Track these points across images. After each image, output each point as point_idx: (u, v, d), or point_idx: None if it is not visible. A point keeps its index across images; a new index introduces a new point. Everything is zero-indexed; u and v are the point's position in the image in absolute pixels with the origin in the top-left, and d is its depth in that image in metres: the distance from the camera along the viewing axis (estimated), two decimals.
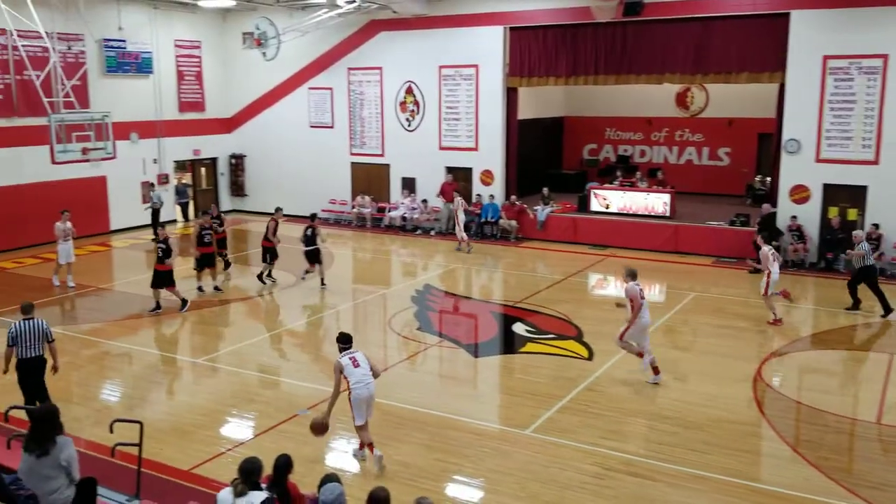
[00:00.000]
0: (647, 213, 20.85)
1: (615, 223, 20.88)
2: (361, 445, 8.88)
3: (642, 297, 11.18)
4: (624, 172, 23.45)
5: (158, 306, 15.01)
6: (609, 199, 21.41)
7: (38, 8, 19.22)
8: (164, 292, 15.01)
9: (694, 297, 15.75)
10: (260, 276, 17.29)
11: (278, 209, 18.13)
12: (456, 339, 13.62)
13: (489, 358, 12.98)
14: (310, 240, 16.84)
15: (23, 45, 19.78)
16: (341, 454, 9.19)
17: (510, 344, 13.68)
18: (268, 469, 6.26)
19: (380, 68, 23.93)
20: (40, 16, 19.19)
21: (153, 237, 14.68)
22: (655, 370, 11.25)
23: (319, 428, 8.49)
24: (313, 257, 16.93)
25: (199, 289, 16.48)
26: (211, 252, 16.54)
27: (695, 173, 24.84)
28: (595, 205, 21.54)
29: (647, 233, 20.36)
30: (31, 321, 9.41)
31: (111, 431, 7.72)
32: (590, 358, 12.39)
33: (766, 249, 14.00)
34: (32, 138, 20.37)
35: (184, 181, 26.60)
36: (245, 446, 9.23)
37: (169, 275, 14.97)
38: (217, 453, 9.11)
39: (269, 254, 17.16)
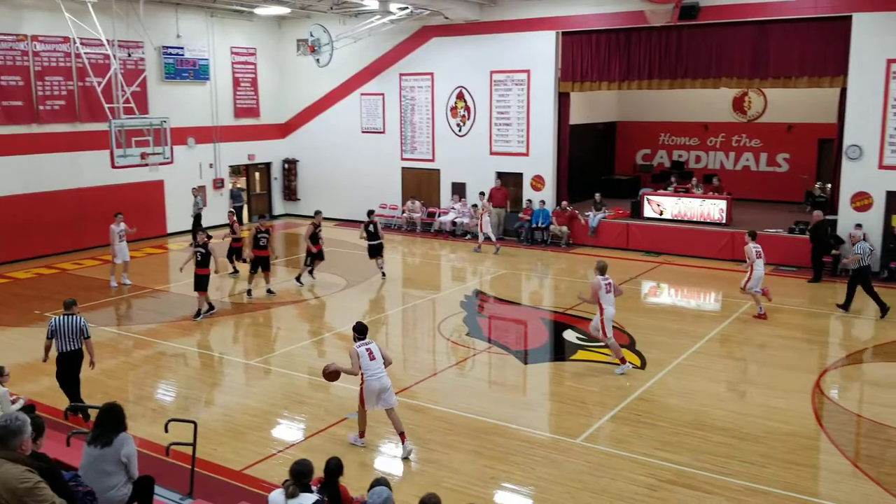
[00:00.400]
0: (702, 219, 20.46)
1: (669, 230, 20.55)
2: (362, 434, 9.35)
3: (608, 291, 11.75)
4: (679, 178, 23.07)
5: (211, 307, 15.23)
6: (663, 206, 21.08)
7: (100, 16, 19.74)
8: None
9: (750, 305, 15.38)
10: (297, 277, 17.82)
11: (317, 212, 18.42)
12: (505, 345, 13.53)
13: (539, 365, 12.85)
14: (372, 235, 17.70)
15: (85, 53, 20.35)
16: (390, 458, 9.19)
17: (560, 351, 13.54)
18: (318, 471, 6.28)
19: (431, 74, 24.01)
20: (102, 24, 19.70)
21: (191, 242, 14.82)
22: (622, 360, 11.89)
23: (333, 375, 9.34)
24: (375, 251, 17.87)
25: (248, 293, 16.69)
26: (266, 255, 16.71)
27: (752, 179, 24.33)
28: (648, 211, 21.23)
29: (702, 240, 19.98)
30: (70, 317, 9.91)
31: (166, 431, 7.85)
32: (642, 367, 12.17)
33: (751, 246, 14.52)
34: (93, 143, 20.95)
35: (238, 185, 27.02)
36: (296, 448, 9.31)
37: (206, 279, 15.02)
38: (268, 454, 9.19)
39: (310, 256, 17.66)
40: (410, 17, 22.38)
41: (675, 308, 16.64)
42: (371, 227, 17.71)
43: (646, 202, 21.35)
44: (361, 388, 9.14)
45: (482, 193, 22.42)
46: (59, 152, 20.85)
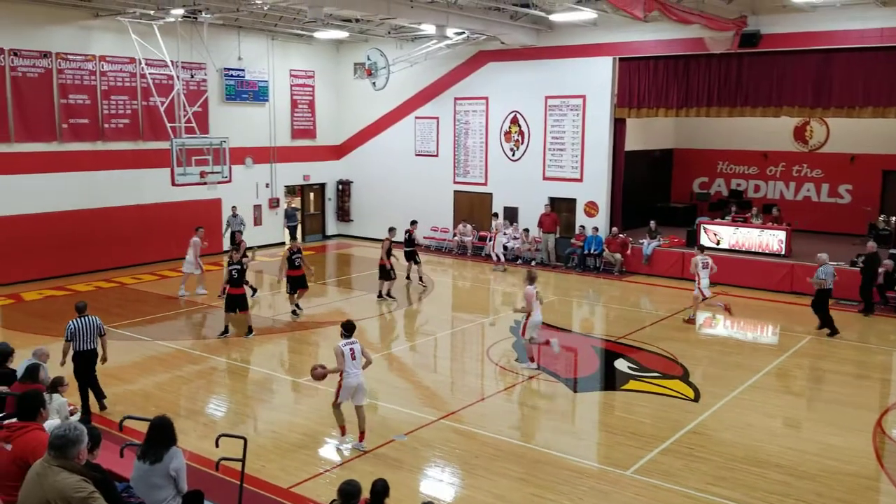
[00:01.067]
0: (760, 250, 20.00)
1: (726, 260, 20.06)
2: (343, 430, 9.96)
3: (537, 300, 13.04)
4: (737, 207, 22.64)
5: (227, 330, 15.09)
6: (720, 235, 20.68)
7: (165, 38, 20.39)
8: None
9: (810, 339, 14.96)
10: (379, 294, 18.28)
11: (391, 229, 18.97)
12: (555, 372, 13.36)
13: (589, 394, 12.66)
14: (409, 241, 19.57)
15: (150, 73, 21.02)
16: (436, 482, 9.11)
17: (611, 380, 13.32)
18: (365, 493, 6.25)
19: (486, 98, 24.10)
20: (167, 45, 20.34)
21: (227, 260, 14.99)
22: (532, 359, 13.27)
23: (320, 376, 9.89)
24: (410, 256, 19.69)
25: (294, 312, 16.78)
26: (301, 274, 16.75)
27: (813, 210, 23.73)
28: (705, 240, 20.81)
29: (760, 271, 19.53)
30: (85, 318, 10.68)
31: (217, 446, 7.90)
32: (696, 399, 11.89)
33: (697, 258, 16.34)
34: (155, 161, 21.50)
35: (293, 205, 27.45)
36: (342, 468, 9.30)
37: (242, 298, 15.03)
38: (315, 473, 9.20)
39: (384, 273, 18.22)
40: (467, 41, 22.55)
41: (730, 340, 16.25)
42: (407, 235, 19.75)
43: (702, 231, 20.97)
44: (339, 384, 9.71)
45: (496, 214, 23.21)
46: (122, 169, 21.45)
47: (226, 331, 15.05)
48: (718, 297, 17.09)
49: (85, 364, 10.69)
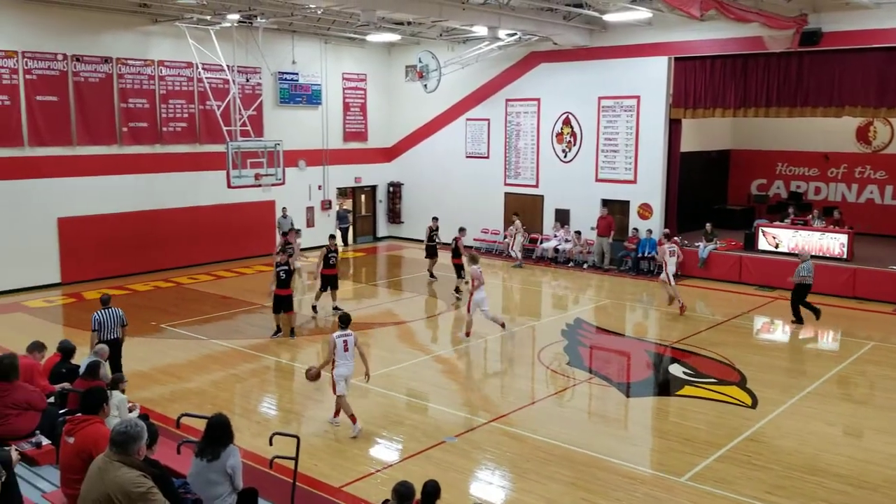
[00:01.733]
0: (821, 254, 19.45)
1: (785, 263, 19.56)
2: (336, 413, 10.51)
3: (481, 280, 14.80)
4: (797, 210, 22.09)
5: (279, 330, 15.27)
6: (779, 238, 20.19)
7: (222, 43, 20.77)
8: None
9: (872, 346, 14.50)
10: (456, 289, 19.11)
11: (461, 229, 20.20)
12: (607, 376, 13.20)
13: (642, 399, 12.45)
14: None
15: (206, 78, 21.43)
16: (486, 484, 9.07)
17: (666, 386, 13.09)
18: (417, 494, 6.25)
19: (538, 99, 23.96)
20: (223, 50, 20.71)
21: (276, 262, 15.16)
22: (503, 325, 15.22)
23: (314, 376, 10.68)
24: (431, 252, 20.89)
25: (314, 308, 17.02)
26: (334, 273, 16.97)
27: (876, 213, 23.00)
28: (763, 243, 20.37)
29: (821, 275, 18.85)
30: (109, 310, 11.45)
31: (271, 444, 7.99)
32: (753, 406, 11.61)
33: (665, 247, 17.28)
34: (211, 164, 21.91)
35: (345, 207, 27.70)
36: (393, 468, 9.32)
37: (288, 299, 15.16)
38: (367, 473, 9.23)
39: (459, 269, 19.29)
40: (518, 43, 22.47)
41: (789, 346, 15.85)
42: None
43: (761, 234, 20.50)
44: (332, 375, 10.28)
45: (516, 214, 23.56)
46: (179, 172, 21.92)
47: (278, 330, 15.25)
48: (689, 296, 18.09)
49: (111, 351, 11.09)
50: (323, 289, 17.03)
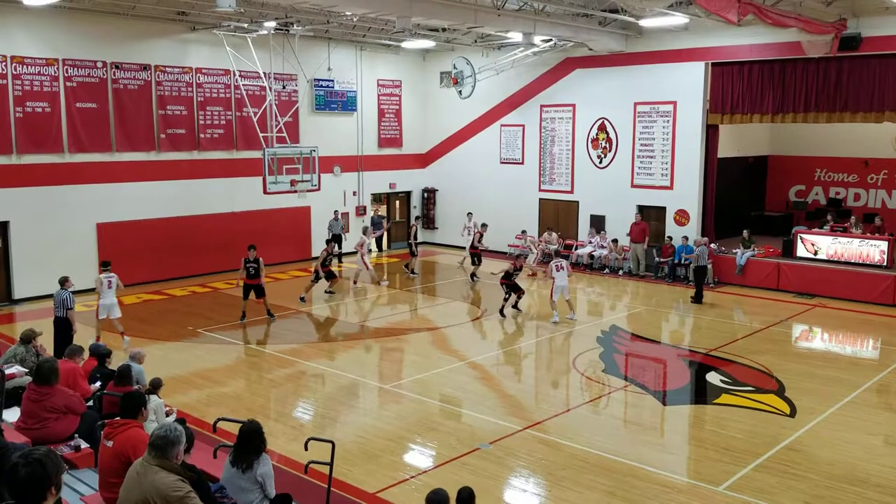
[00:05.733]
0: (861, 261, 19.09)
1: (824, 271, 19.30)
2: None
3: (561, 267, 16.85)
4: (836, 216, 21.68)
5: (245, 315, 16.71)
6: (818, 245, 19.84)
7: (258, 50, 21.01)
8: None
9: None
10: (472, 275, 21.45)
11: (484, 224, 22.08)
12: (643, 384, 13.07)
13: (679, 407, 12.31)
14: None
15: (243, 85, 21.69)
16: (521, 492, 9.02)
17: (703, 394, 12.91)
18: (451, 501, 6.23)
19: (573, 105, 23.86)
20: (259, 57, 20.95)
21: (244, 259, 16.95)
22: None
23: None
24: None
25: (302, 299, 18.79)
26: (329, 270, 19.64)
27: None
28: (802, 250, 20.04)
29: (860, 283, 18.64)
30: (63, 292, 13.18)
31: (306, 449, 8.03)
32: (791, 415, 11.41)
33: (553, 262, 17.54)
34: (247, 170, 22.16)
35: (379, 213, 27.82)
36: (427, 475, 9.31)
37: (259, 287, 16.77)
38: (401, 479, 9.24)
39: (476, 258, 21.67)
40: (553, 48, 22.40)
41: (828, 354, 15.57)
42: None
43: (799, 241, 20.17)
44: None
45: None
46: (216, 178, 22.19)
47: (244, 316, 16.80)
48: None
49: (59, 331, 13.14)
50: (328, 279, 19.67)
